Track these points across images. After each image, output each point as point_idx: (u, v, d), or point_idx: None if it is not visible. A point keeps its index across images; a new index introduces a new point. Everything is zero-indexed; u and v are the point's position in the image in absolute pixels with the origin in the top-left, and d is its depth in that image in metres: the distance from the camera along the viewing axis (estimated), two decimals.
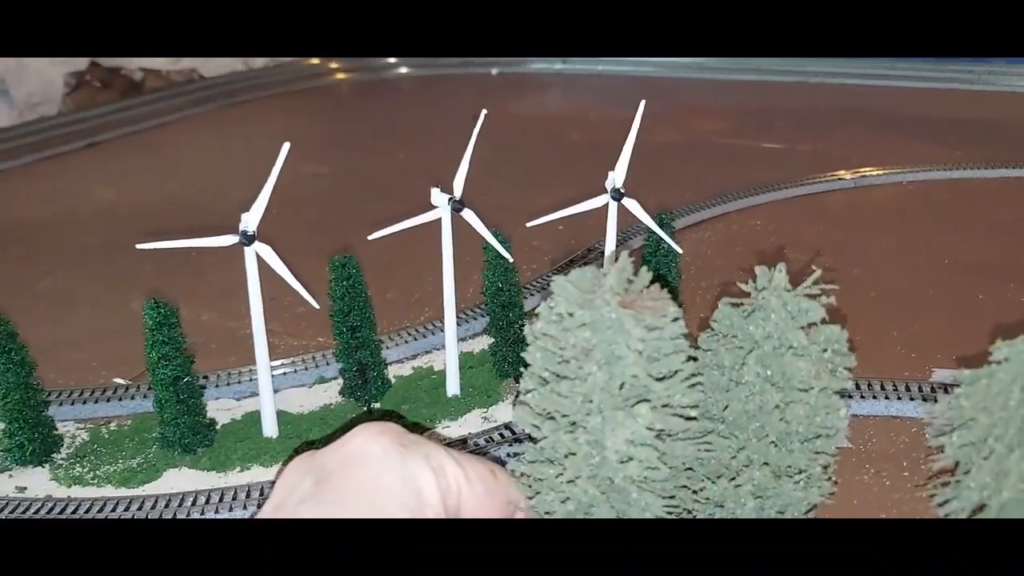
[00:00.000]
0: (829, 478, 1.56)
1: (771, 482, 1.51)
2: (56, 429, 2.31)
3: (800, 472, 1.52)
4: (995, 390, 1.43)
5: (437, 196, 2.27)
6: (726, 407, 1.53)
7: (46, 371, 2.40)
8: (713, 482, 1.54)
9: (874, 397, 2.32)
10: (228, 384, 2.56)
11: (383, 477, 0.68)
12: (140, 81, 6.06)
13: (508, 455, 2.14)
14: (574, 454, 0.71)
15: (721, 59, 6.56)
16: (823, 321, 1.50)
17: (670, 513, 0.79)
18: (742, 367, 1.49)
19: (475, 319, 2.85)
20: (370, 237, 2.21)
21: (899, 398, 2.31)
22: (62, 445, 2.31)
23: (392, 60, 6.82)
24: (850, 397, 2.30)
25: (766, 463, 1.50)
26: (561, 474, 0.72)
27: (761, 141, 5.10)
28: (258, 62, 6.66)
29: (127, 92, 5.97)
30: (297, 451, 2.12)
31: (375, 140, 5.43)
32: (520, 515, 0.81)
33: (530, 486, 0.75)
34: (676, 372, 0.74)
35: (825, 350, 1.49)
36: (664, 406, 0.73)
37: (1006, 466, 1.41)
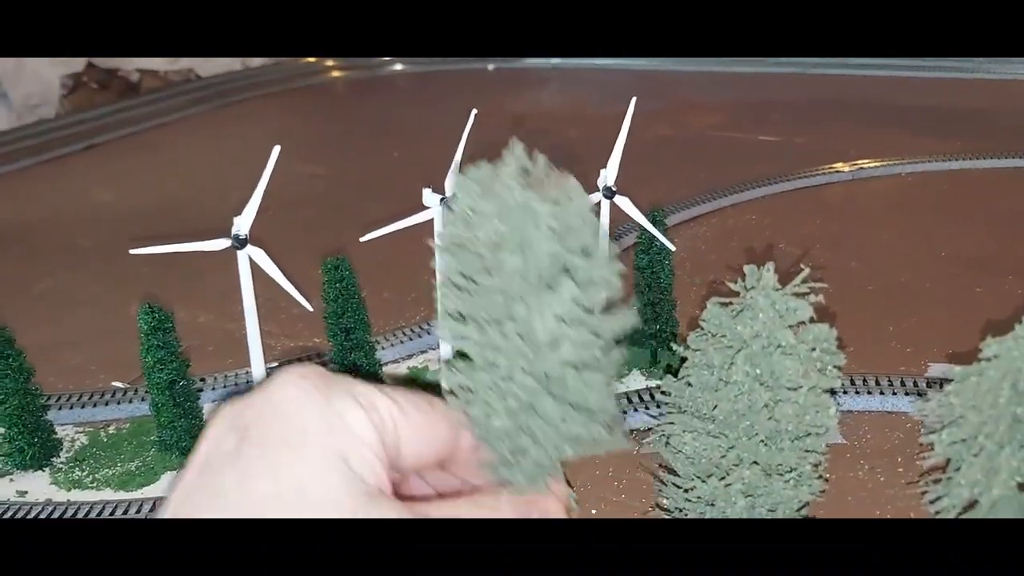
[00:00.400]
0: (820, 476, 1.57)
1: (761, 481, 1.51)
2: (55, 433, 2.32)
3: (791, 471, 1.53)
4: (985, 387, 1.43)
5: (429, 196, 2.28)
6: (715, 406, 1.54)
7: (46, 373, 2.41)
8: (704, 481, 1.55)
9: (869, 393, 2.32)
10: (224, 386, 2.57)
11: (307, 422, 0.62)
12: (137, 82, 6.06)
13: None
14: (504, 350, 0.69)
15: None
16: (811, 320, 1.51)
17: (603, 387, 0.74)
18: (731, 366, 1.50)
19: None
20: (362, 239, 2.21)
21: (894, 393, 2.31)
22: (61, 449, 2.32)
23: (387, 57, 6.80)
24: (845, 393, 2.31)
25: (755, 462, 1.51)
26: (495, 374, 0.70)
27: (757, 134, 5.08)
28: (255, 61, 6.66)
29: (124, 93, 5.97)
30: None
31: (371, 139, 5.42)
32: (465, 438, 0.72)
33: (467, 401, 0.71)
34: (593, 247, 0.71)
35: (814, 349, 1.49)
36: (587, 281, 0.68)
37: (996, 463, 1.41)
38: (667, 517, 1.74)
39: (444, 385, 0.75)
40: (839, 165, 4.35)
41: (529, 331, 0.68)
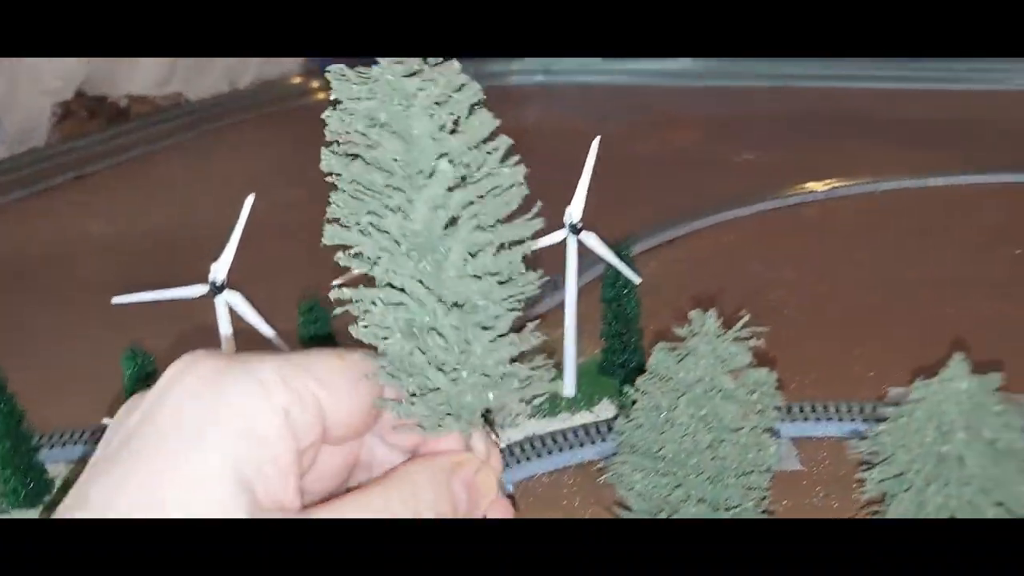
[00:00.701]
0: (763, 511, 1.66)
1: (708, 516, 1.61)
2: (47, 473, 2.41)
3: (736, 507, 1.62)
4: (913, 428, 1.53)
5: None
6: (663, 447, 1.63)
7: (37, 411, 2.49)
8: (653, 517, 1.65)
9: (828, 419, 2.41)
10: None
11: (193, 423, 0.53)
12: (126, 108, 6.15)
13: None
14: (392, 255, 0.61)
15: (696, 65, 6.61)
16: (751, 364, 1.61)
17: (510, 302, 0.65)
18: (676, 409, 1.60)
19: None
20: (334, 283, 2.29)
21: (852, 420, 2.40)
22: (54, 488, 2.41)
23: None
24: (805, 420, 2.40)
25: (702, 499, 1.61)
26: (381, 284, 0.62)
27: (734, 151, 5.15)
28: (242, 83, 6.75)
29: (114, 119, 6.06)
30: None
31: None
32: (388, 391, 0.64)
33: (362, 320, 0.63)
34: (487, 144, 0.63)
35: (753, 392, 1.59)
36: (478, 178, 0.61)
37: (924, 498, 1.51)
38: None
39: (333, 297, 0.67)
40: (812, 184, 4.44)
41: (408, 217, 0.62)
